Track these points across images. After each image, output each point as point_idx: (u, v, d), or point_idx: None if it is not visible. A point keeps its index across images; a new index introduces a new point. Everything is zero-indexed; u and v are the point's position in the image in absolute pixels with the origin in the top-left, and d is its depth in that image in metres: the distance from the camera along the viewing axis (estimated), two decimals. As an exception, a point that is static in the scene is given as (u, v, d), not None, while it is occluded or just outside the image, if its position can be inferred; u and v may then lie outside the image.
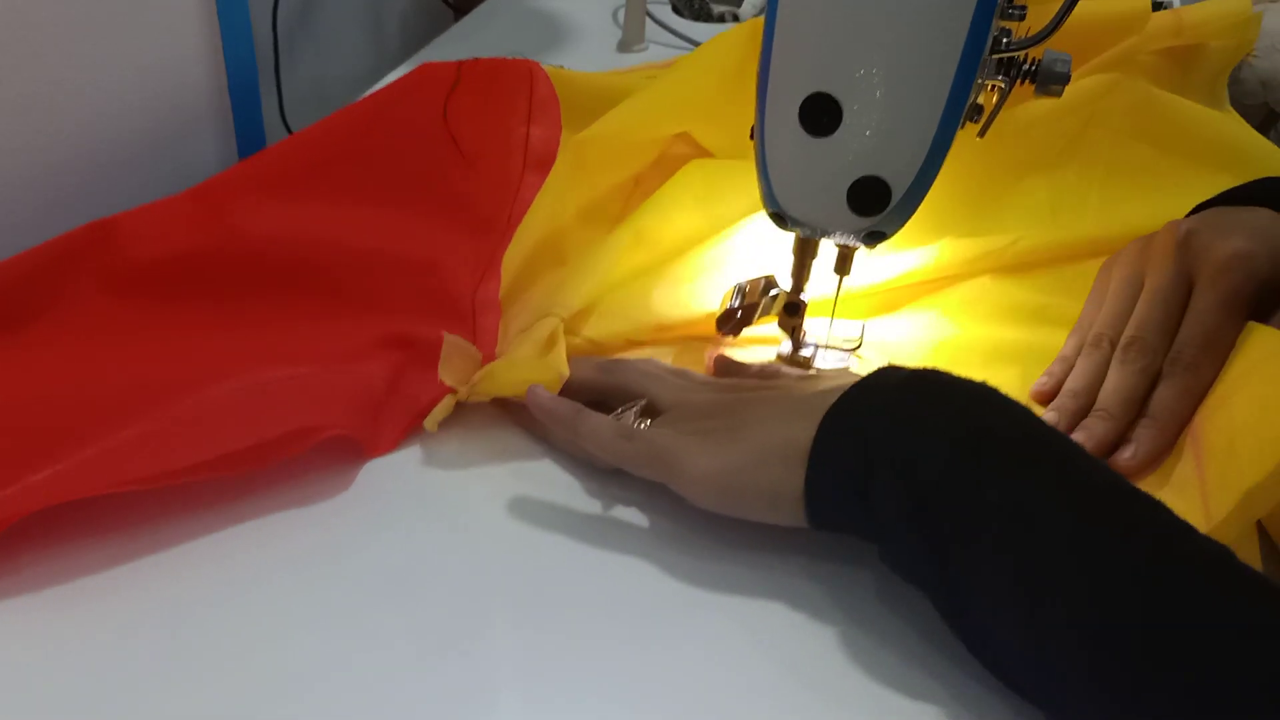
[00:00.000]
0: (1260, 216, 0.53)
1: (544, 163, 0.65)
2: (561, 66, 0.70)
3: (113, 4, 0.67)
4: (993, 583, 0.39)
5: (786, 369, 0.55)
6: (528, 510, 0.49)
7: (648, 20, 0.97)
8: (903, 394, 0.44)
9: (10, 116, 0.62)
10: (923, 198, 0.48)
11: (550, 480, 0.51)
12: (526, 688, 0.41)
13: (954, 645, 0.42)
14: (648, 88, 0.70)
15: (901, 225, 0.49)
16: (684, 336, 0.59)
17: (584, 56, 0.93)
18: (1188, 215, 0.57)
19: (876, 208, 0.48)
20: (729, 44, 0.69)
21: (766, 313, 0.55)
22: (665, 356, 0.58)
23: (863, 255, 0.55)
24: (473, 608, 0.44)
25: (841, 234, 0.51)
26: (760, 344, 0.60)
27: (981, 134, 0.50)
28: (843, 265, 0.55)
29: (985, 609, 0.39)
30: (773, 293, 0.55)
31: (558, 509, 0.49)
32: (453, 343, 0.51)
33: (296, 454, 0.48)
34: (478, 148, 0.65)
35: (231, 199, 0.58)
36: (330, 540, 0.47)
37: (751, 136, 0.49)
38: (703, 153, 0.70)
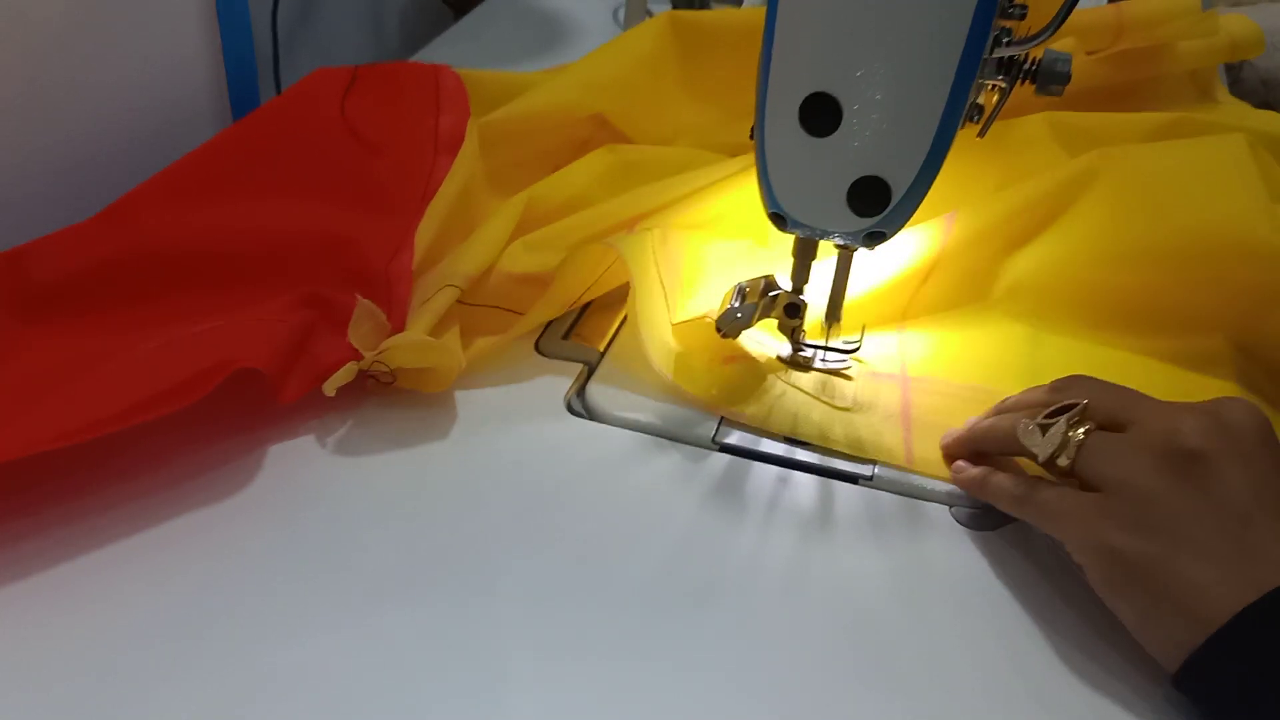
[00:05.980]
0: None
1: (455, 147, 0.66)
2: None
3: (113, 4, 0.67)
4: None
5: None
6: (529, 507, 0.49)
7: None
8: None
9: (11, 116, 0.62)
10: (923, 198, 0.48)
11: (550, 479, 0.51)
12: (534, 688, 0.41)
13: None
14: (560, 72, 0.71)
15: (902, 226, 0.49)
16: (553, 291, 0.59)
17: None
18: None
19: (876, 208, 0.48)
20: (644, 31, 0.71)
21: (766, 313, 0.55)
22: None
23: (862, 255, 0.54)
24: (480, 602, 0.44)
25: (841, 234, 0.51)
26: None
27: (982, 134, 0.50)
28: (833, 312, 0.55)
29: None
30: (773, 293, 0.55)
31: (555, 509, 0.49)
32: (365, 307, 0.53)
33: (215, 385, 0.48)
34: (381, 138, 0.67)
35: (141, 210, 0.58)
36: (330, 537, 0.47)
37: (751, 136, 0.49)
38: (627, 141, 0.70)
